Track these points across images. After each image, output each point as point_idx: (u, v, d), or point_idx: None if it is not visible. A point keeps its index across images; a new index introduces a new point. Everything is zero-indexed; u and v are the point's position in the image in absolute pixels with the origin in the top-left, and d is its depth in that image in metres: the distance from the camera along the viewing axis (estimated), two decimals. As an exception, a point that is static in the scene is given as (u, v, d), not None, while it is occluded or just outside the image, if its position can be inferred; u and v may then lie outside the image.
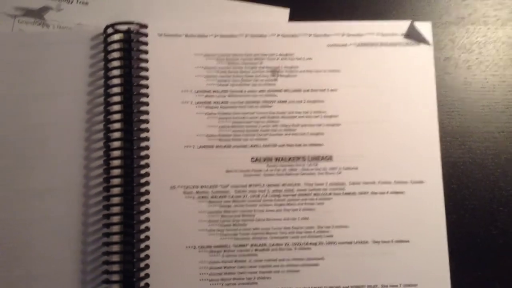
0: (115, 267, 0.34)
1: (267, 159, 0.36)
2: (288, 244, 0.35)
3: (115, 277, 0.34)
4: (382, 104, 0.37)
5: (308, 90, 0.37)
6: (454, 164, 0.37)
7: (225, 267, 0.35)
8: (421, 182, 0.36)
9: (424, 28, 0.38)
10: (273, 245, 0.35)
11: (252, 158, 0.36)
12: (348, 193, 0.35)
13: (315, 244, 0.35)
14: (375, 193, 0.36)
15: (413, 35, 0.38)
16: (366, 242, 0.35)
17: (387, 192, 0.36)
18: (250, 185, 0.36)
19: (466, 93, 0.39)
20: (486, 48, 0.39)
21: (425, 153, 0.36)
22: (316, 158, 0.36)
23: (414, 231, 0.35)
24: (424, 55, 0.38)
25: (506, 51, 0.39)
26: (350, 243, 0.35)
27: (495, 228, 0.37)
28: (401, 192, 0.36)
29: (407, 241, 0.35)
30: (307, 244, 0.35)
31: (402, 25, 0.38)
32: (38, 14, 0.39)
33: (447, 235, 0.35)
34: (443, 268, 0.35)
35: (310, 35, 0.37)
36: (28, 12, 0.39)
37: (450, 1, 0.40)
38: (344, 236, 0.35)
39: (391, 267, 0.35)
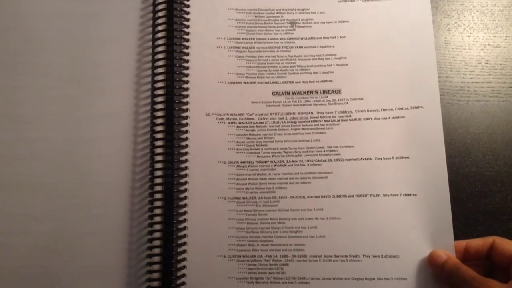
0: (158, 180, 0.41)
1: (285, 93, 0.44)
2: (302, 161, 0.42)
3: (158, 188, 0.41)
4: (385, 46, 0.44)
5: (321, 38, 0.44)
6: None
7: (249, 179, 0.42)
8: (420, 107, 0.42)
9: None
10: (289, 161, 0.42)
11: (273, 92, 0.44)
12: (354, 119, 0.42)
13: (325, 160, 0.42)
14: (378, 118, 0.42)
15: None
16: (370, 158, 0.41)
17: (389, 118, 0.42)
18: (271, 114, 0.43)
19: (446, 50, 0.47)
20: (463, 15, 0.48)
21: (424, 83, 0.42)
22: (327, 92, 0.43)
23: (414, 149, 0.41)
24: (422, 4, 0.45)
25: (479, 17, 0.48)
26: (355, 159, 0.42)
27: (468, 159, 0.44)
28: (402, 117, 0.42)
29: (407, 157, 0.41)
30: (318, 161, 0.42)
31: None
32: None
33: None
34: (442, 180, 0.40)
35: (323, -7, 0.46)
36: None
37: (433, -25, 0.49)
38: (350, 154, 0.42)
39: (392, 179, 0.41)
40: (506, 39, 0.47)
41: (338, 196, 0.41)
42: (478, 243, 0.38)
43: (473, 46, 0.47)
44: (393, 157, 0.41)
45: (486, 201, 0.43)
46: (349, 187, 0.41)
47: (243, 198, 0.41)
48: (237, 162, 0.42)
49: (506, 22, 0.48)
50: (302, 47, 0.44)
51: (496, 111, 0.45)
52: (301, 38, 0.45)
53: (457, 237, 0.39)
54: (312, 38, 0.45)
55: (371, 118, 0.42)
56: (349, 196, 0.41)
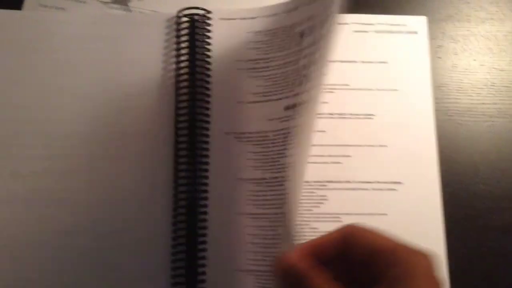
0: (182, 195, 0.43)
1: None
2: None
3: (181, 203, 0.43)
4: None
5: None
6: (440, 128, 0.47)
7: (263, 195, 0.43)
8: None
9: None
10: None
11: (285, 107, 0.45)
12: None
13: None
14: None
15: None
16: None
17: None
18: (282, 129, 0.44)
19: (453, 73, 0.50)
20: (469, 40, 0.51)
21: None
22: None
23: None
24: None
25: (484, 42, 0.51)
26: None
27: (477, 177, 0.46)
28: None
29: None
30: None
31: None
32: (123, 1, 0.50)
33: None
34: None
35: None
36: (116, 0, 0.50)
37: (440, 3, 0.52)
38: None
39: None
40: (510, 63, 0.50)
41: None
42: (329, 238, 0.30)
43: (479, 70, 0.49)
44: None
45: (495, 217, 0.44)
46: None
47: (259, 214, 0.43)
48: (254, 179, 0.44)
49: (510, 47, 0.50)
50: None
51: (503, 131, 0.47)
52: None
53: (469, 254, 0.41)
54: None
55: None
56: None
